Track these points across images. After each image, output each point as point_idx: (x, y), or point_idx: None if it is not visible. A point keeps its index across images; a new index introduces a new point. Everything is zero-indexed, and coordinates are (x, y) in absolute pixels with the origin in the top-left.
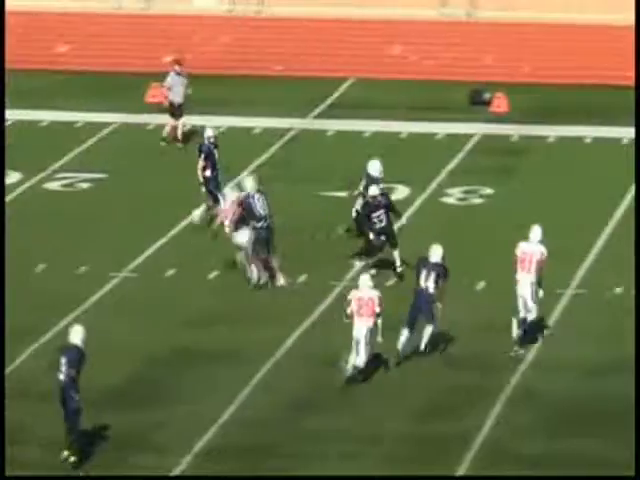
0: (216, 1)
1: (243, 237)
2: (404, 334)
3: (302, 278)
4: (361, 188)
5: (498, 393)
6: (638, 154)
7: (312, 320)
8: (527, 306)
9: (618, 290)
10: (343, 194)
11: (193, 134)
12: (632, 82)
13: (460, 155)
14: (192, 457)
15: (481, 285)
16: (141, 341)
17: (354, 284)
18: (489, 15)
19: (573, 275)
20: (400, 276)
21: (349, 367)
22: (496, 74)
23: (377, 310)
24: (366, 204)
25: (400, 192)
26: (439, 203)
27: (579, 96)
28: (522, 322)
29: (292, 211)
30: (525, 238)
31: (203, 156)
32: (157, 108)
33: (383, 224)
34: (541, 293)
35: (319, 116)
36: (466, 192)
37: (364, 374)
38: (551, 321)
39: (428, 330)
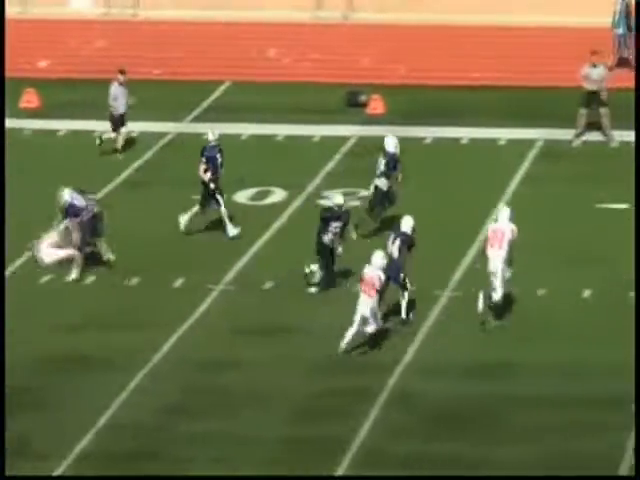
0: (91, 4)
1: (49, 257)
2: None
3: (179, 282)
4: (382, 167)
5: (376, 395)
6: (638, 154)
7: (189, 324)
8: (499, 280)
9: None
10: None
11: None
12: (509, 83)
13: (337, 157)
14: (70, 462)
15: (359, 287)
16: (17, 347)
17: (231, 287)
18: (365, 17)
19: (450, 277)
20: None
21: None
22: (372, 76)
23: (377, 288)
24: (329, 209)
25: (277, 195)
26: (316, 206)
27: (455, 97)
28: (489, 297)
29: (168, 215)
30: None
31: (204, 159)
32: (32, 114)
33: (333, 237)
34: (508, 274)
35: (195, 120)
36: (343, 194)
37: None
38: (428, 323)
39: (404, 297)
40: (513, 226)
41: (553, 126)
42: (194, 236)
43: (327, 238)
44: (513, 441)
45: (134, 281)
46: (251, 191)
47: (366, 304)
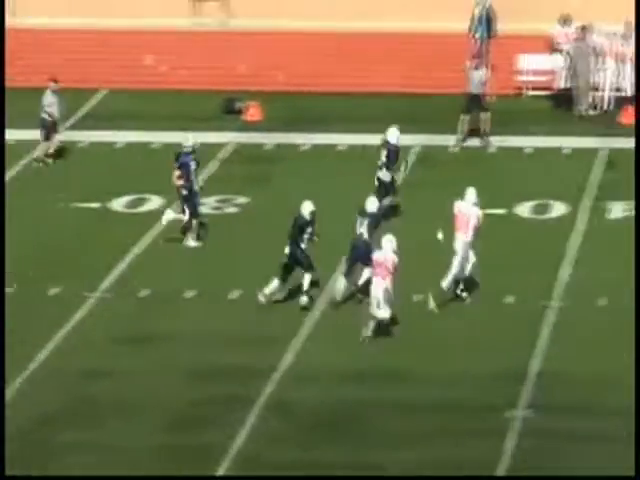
0: None
1: None
2: (341, 281)
3: (55, 290)
4: (383, 158)
5: (253, 403)
6: (638, 155)
7: (65, 332)
8: (456, 262)
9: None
10: (96, 205)
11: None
12: (386, 89)
13: (214, 164)
14: None
15: (235, 294)
16: None
17: (108, 295)
18: (243, 24)
19: (324, 283)
20: (305, 307)
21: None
22: (250, 83)
23: (391, 271)
24: (300, 217)
25: (154, 202)
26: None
27: (333, 104)
28: (456, 281)
29: (42, 223)
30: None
31: (177, 165)
32: None
33: (306, 245)
34: (474, 258)
35: (72, 128)
36: (220, 201)
37: (391, 323)
38: (304, 330)
39: (365, 273)
40: (478, 210)
41: (430, 132)
42: (70, 244)
43: (304, 244)
44: (389, 446)
45: (9, 289)
46: (127, 198)
47: (380, 287)
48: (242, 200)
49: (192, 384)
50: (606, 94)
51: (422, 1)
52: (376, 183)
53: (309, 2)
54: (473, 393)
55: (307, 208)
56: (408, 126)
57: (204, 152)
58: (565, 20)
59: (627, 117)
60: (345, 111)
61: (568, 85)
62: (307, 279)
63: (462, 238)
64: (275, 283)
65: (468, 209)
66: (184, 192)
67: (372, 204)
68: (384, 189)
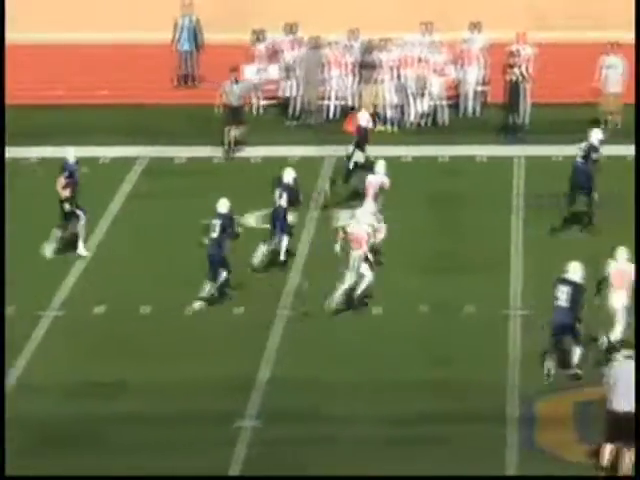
0: None
1: None
2: (261, 248)
3: None
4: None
5: None
6: (638, 160)
7: None
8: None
9: (97, 310)
10: None
11: None
12: (112, 101)
13: None
14: None
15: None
16: None
17: None
18: (25, 37)
19: (52, 297)
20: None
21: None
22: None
23: (364, 246)
24: (221, 215)
25: None
26: None
27: (56, 116)
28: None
29: None
30: None
31: (66, 174)
32: None
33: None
34: (382, 224)
35: None
36: None
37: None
38: (31, 344)
39: (284, 241)
40: (386, 179)
41: (156, 143)
42: None
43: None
44: (120, 457)
45: None
46: None
47: (357, 257)
48: None
49: None
50: (332, 103)
51: (131, 13)
52: (351, 166)
53: (32, 14)
54: (202, 403)
55: (225, 205)
56: (134, 137)
57: None
58: (290, 28)
59: (350, 125)
60: (71, 124)
61: (294, 94)
62: (223, 276)
63: (371, 207)
64: (208, 286)
65: (376, 178)
66: (77, 200)
67: (288, 175)
68: (359, 168)
